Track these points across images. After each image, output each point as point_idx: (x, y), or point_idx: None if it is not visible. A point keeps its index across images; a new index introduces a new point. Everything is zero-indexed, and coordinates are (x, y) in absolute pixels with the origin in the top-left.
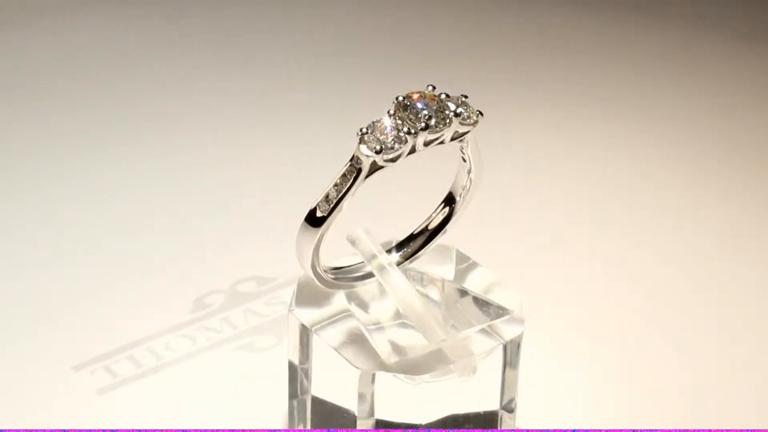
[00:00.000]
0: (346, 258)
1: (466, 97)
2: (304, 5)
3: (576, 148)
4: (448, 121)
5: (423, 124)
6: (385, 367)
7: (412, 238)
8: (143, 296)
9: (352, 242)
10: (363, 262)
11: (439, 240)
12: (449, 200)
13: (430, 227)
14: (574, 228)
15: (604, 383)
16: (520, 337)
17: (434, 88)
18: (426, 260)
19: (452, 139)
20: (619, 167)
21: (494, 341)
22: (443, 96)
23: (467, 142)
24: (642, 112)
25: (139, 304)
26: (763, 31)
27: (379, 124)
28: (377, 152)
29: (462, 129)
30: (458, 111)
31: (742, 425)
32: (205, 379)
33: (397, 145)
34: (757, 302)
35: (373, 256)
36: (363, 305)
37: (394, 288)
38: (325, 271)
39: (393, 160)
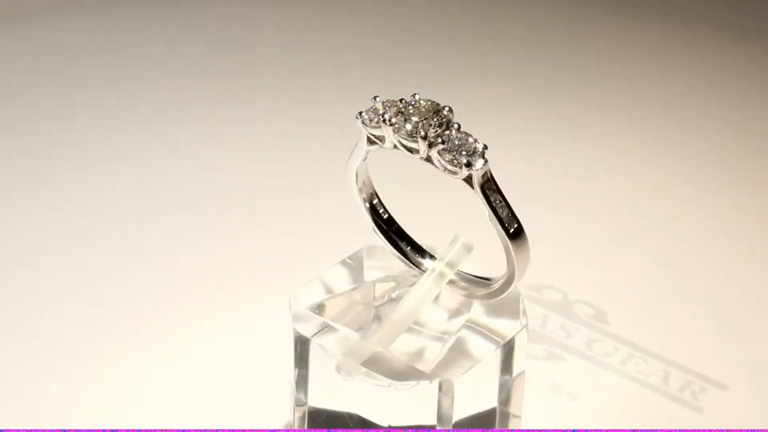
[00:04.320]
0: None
1: (485, 148)
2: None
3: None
4: (413, 135)
5: (393, 120)
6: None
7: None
8: (148, 296)
9: (452, 240)
10: (415, 248)
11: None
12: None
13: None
14: (575, 227)
15: (604, 383)
16: (410, 385)
17: (451, 110)
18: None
19: (446, 171)
20: (618, 168)
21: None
22: (455, 126)
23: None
24: (643, 113)
25: (139, 305)
26: None
27: (378, 101)
28: (359, 116)
29: (444, 163)
30: (431, 137)
31: (743, 425)
32: (205, 379)
33: (375, 123)
34: (758, 302)
35: (441, 260)
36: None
37: (417, 291)
38: (369, 204)
39: (376, 137)
